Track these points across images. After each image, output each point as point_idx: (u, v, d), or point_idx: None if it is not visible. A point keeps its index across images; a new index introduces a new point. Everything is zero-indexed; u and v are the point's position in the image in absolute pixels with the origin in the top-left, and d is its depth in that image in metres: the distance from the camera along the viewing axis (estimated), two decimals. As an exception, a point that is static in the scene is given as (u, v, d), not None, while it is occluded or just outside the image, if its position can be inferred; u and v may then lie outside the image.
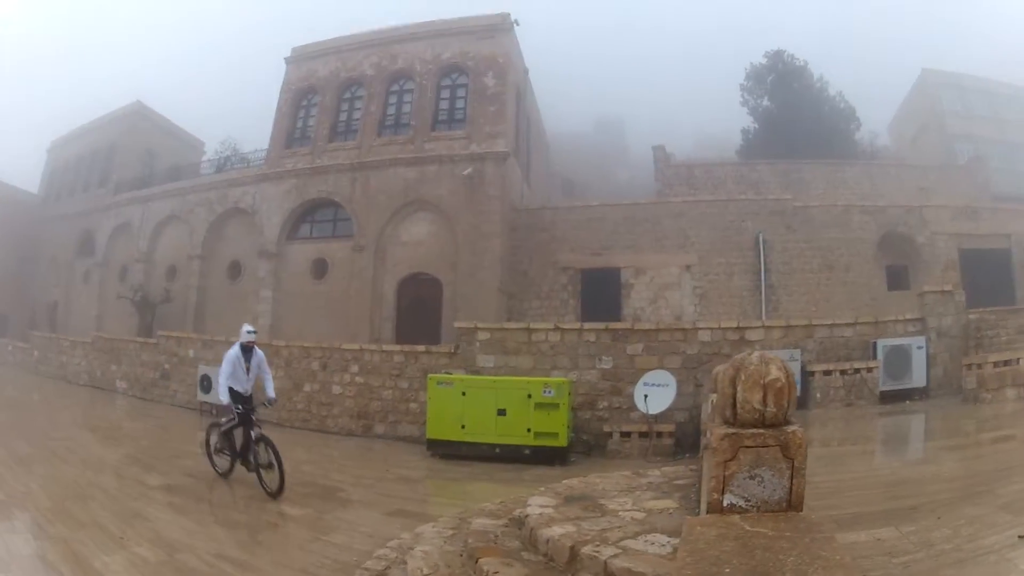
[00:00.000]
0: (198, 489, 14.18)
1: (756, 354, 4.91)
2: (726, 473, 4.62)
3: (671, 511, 7.82)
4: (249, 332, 14.97)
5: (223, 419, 15.02)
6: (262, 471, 13.54)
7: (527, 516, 7.80)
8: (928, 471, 11.48)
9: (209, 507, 12.85)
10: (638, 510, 7.90)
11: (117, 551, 9.57)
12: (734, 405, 4.74)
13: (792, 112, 50.85)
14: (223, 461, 14.91)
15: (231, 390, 14.25)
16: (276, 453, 13.31)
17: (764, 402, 4.63)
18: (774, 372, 4.69)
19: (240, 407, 14.04)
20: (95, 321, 44.72)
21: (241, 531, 11.16)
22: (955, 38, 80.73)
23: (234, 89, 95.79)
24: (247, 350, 14.75)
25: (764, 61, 54.96)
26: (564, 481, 10.23)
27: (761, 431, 4.61)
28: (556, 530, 6.95)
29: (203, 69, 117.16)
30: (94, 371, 34.09)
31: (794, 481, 4.61)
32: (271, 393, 14.99)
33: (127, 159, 50.53)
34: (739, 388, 4.73)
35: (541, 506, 8.19)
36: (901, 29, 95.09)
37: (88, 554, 9.37)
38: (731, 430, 4.65)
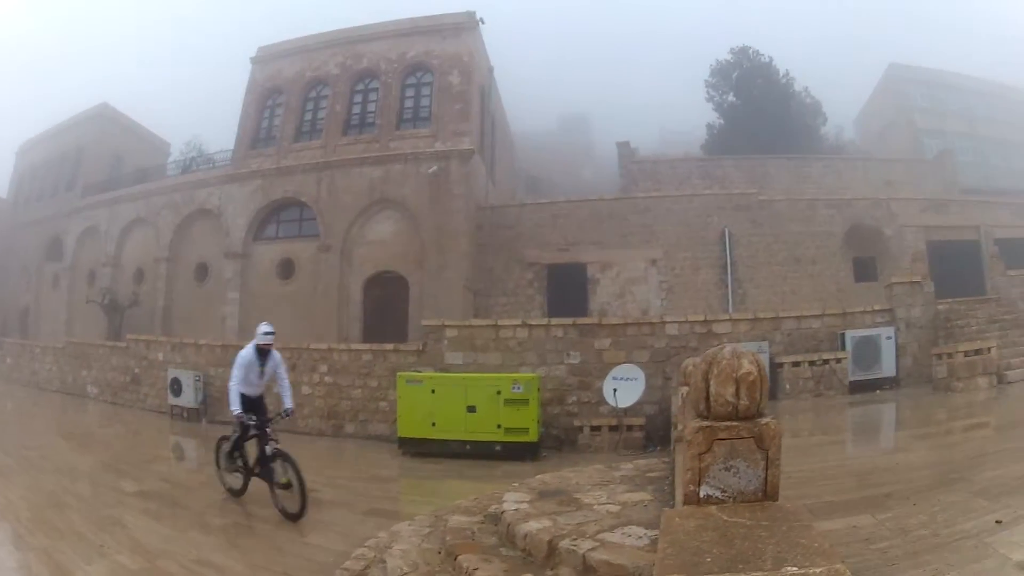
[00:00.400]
0: (173, 494, 14.20)
1: (728, 348, 4.98)
2: (701, 465, 4.67)
3: (646, 503, 7.89)
4: (266, 333, 13.17)
5: (231, 432, 13.52)
6: (279, 491, 12.20)
7: (503, 512, 7.86)
8: (901, 459, 11.55)
9: (185, 512, 12.74)
10: (613, 503, 7.99)
11: (98, 560, 9.60)
12: (707, 399, 4.80)
13: (758, 108, 51.00)
14: (235, 479, 13.56)
15: (241, 396, 12.86)
16: (297, 471, 11.97)
17: (737, 395, 4.68)
18: (746, 366, 4.75)
19: (253, 418, 12.65)
20: (65, 326, 44.40)
21: (218, 535, 11.19)
22: (924, 33, 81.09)
23: (201, 90, 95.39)
24: (263, 353, 13.21)
25: (730, 57, 55.11)
26: (538, 476, 10.31)
27: (735, 423, 4.66)
28: (533, 525, 7.02)
29: (170, 70, 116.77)
30: (65, 376, 33.90)
31: (769, 471, 4.67)
32: (289, 403, 13.28)
33: (94, 162, 50.16)
34: (712, 382, 4.78)
35: (516, 502, 8.26)
36: (868, 24, 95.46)
37: (70, 564, 9.40)
38: (705, 423, 4.70)
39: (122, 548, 10.11)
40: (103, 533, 10.84)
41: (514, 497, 8.57)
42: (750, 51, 54.57)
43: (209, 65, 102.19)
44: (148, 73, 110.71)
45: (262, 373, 13.21)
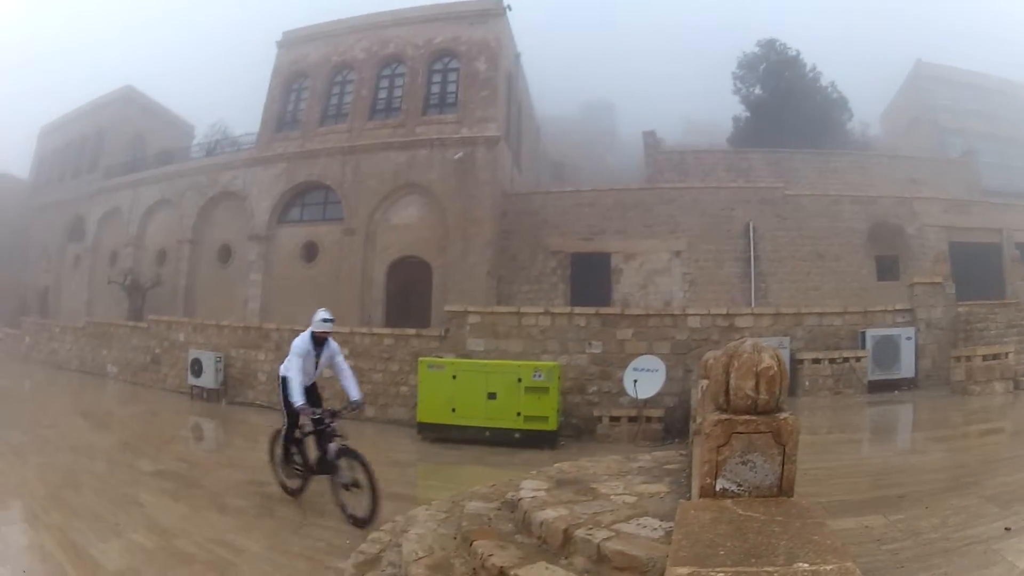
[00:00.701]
0: (191, 475, 14.22)
1: (749, 342, 4.99)
2: (719, 458, 4.70)
3: (662, 495, 7.92)
4: (324, 320, 11.91)
5: (285, 424, 12.13)
6: (344, 492, 11.06)
7: (520, 499, 7.88)
8: (915, 461, 11.56)
9: (202, 492, 12.78)
10: (629, 494, 8.02)
11: (113, 538, 9.68)
12: (727, 392, 4.81)
13: (784, 101, 50.78)
14: (293, 478, 12.35)
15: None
16: (368, 469, 10.84)
17: (756, 389, 4.70)
18: (767, 360, 4.76)
19: (319, 412, 11.45)
20: (85, 306, 44.74)
21: (235, 516, 11.25)
22: (949, 31, 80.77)
23: (226, 73, 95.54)
24: (319, 341, 11.97)
25: (757, 50, 54.82)
26: (555, 465, 10.32)
27: (753, 418, 4.68)
28: (549, 513, 7.04)
29: (195, 52, 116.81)
30: (85, 356, 34.21)
31: (785, 467, 4.68)
32: (355, 394, 11.98)
33: (117, 144, 50.41)
34: (732, 375, 4.80)
35: (534, 490, 8.29)
36: (896, 20, 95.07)
37: (84, 542, 9.48)
38: (724, 416, 4.72)
39: (138, 527, 10.21)
40: (119, 511, 10.96)
41: (531, 485, 8.60)
42: (777, 44, 54.35)
43: (234, 48, 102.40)
44: (173, 55, 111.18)
45: (317, 364, 12.11)
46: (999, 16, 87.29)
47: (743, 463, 4.69)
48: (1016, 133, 52.79)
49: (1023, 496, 8.04)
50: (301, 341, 11.89)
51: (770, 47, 54.34)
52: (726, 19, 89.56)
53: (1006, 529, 6.77)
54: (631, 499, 7.74)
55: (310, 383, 12.08)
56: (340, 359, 12.41)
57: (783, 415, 4.71)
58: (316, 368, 12.16)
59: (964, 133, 51.54)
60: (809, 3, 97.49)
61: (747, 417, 4.68)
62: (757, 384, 4.70)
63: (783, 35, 56.57)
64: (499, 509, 8.41)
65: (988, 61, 59.48)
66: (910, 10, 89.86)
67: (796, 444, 4.71)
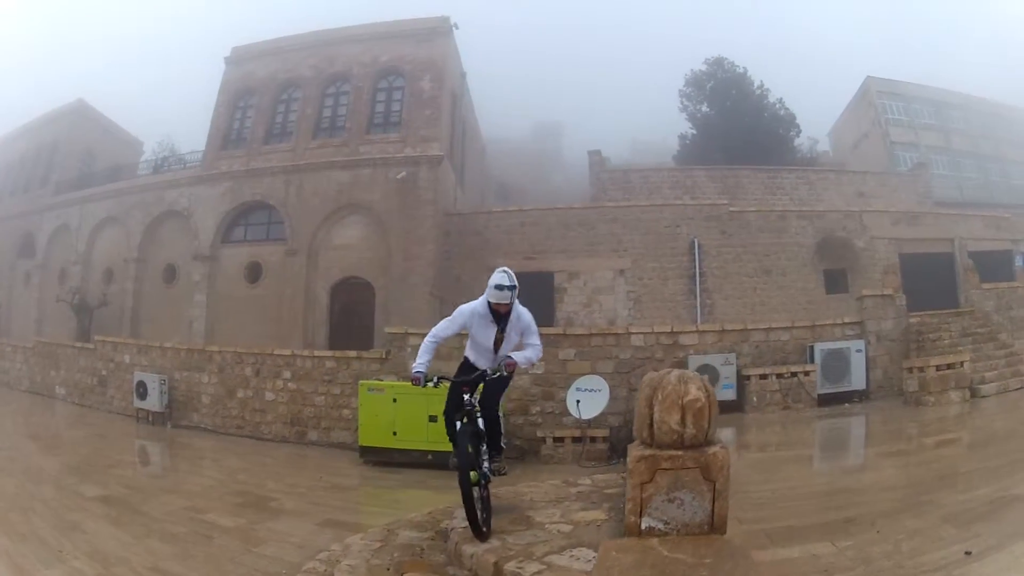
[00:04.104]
0: (132, 500, 13.99)
1: (675, 372, 4.91)
2: (643, 495, 4.60)
3: (599, 524, 7.81)
4: (500, 288, 8.79)
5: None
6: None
7: (452, 530, 7.78)
8: (867, 479, 11.50)
9: (145, 519, 12.55)
10: (565, 522, 7.94)
11: (56, 564, 9.63)
12: (651, 426, 4.71)
13: (731, 118, 51.14)
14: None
15: (465, 361, 9.49)
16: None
17: (683, 423, 4.60)
18: (693, 392, 4.66)
19: (433, 379, 9.13)
20: (36, 325, 44.15)
21: (175, 544, 11.02)
22: (900, 47, 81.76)
23: (177, 89, 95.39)
24: (501, 314, 8.93)
25: (704, 68, 55.24)
26: (492, 491, 10.22)
27: (679, 453, 4.59)
28: (480, 545, 6.93)
29: (144, 67, 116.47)
30: (34, 376, 33.71)
31: (716, 503, 4.59)
32: (518, 357, 8.81)
33: (67, 159, 49.91)
34: (656, 408, 4.71)
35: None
36: (845, 37, 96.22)
37: (29, 567, 9.48)
38: (647, 452, 4.63)
39: (80, 553, 10.13)
40: (63, 537, 10.90)
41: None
42: (725, 62, 54.76)
43: (185, 64, 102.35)
44: (123, 71, 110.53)
45: (498, 340, 9.00)
46: (952, 31, 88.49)
47: (670, 500, 4.59)
48: (969, 145, 53.43)
49: (984, 515, 7.96)
50: (467, 306, 9.32)
51: (718, 65, 54.76)
52: (676, 40, 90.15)
53: (966, 553, 6.63)
54: (567, 528, 7.65)
55: (489, 364, 9.01)
56: (532, 336, 9.12)
57: (713, 449, 4.61)
58: (497, 349, 9.07)
59: (916, 147, 52.13)
60: (757, 21, 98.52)
61: (673, 452, 4.59)
62: (683, 417, 4.60)
63: (731, 53, 57.02)
64: (433, 539, 8.35)
65: (940, 75, 60.15)
66: (860, 26, 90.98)
67: (727, 479, 4.61)
